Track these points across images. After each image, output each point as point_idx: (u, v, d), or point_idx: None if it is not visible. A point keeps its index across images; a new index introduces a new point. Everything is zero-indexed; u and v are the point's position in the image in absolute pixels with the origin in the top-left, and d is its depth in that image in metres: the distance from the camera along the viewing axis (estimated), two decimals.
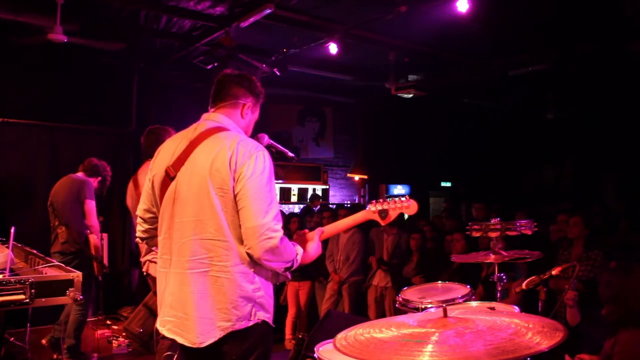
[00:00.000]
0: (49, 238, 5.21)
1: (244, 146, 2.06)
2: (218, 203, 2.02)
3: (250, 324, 2.02)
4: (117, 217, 7.33)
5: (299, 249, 2.16)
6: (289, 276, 2.26)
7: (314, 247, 2.31)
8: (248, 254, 2.02)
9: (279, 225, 2.01)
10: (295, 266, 2.11)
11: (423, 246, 6.08)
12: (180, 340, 2.05)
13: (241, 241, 2.03)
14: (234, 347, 2.02)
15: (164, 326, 2.11)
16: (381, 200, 2.47)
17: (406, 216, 2.74)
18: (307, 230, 2.40)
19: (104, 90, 7.29)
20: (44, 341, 5.15)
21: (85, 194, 5.08)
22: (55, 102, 6.93)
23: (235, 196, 2.02)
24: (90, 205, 5.11)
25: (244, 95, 2.25)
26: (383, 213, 2.43)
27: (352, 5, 6.06)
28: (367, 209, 2.47)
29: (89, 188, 5.14)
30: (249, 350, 2.04)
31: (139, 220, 2.33)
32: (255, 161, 2.03)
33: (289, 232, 3.91)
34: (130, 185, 3.93)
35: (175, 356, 2.21)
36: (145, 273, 3.82)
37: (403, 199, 2.44)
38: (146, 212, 2.28)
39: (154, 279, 3.74)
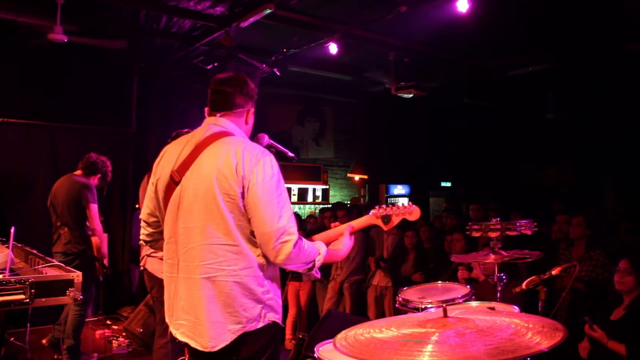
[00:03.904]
0: (50, 238, 5.19)
1: (250, 152, 2.07)
2: (225, 208, 2.02)
3: (261, 325, 2.04)
4: (117, 217, 7.33)
5: (322, 248, 2.17)
6: (318, 275, 2.30)
7: (345, 242, 2.36)
8: (263, 257, 2.05)
9: (293, 228, 2.03)
10: (317, 265, 2.14)
11: (418, 244, 6.07)
12: (193, 344, 2.06)
13: (250, 244, 2.05)
14: (246, 349, 2.03)
15: (178, 329, 2.12)
16: (384, 205, 2.51)
17: None
18: (338, 223, 2.46)
19: (104, 90, 7.28)
20: (44, 341, 5.15)
21: (88, 198, 4.99)
22: (55, 102, 6.92)
23: (244, 203, 2.03)
24: (93, 210, 5.03)
25: (246, 102, 2.26)
26: (386, 218, 2.46)
27: (352, 5, 6.06)
28: (370, 214, 2.51)
29: (91, 192, 5.04)
30: (260, 351, 2.06)
31: (142, 223, 2.35)
32: (263, 167, 2.04)
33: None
34: (145, 180, 3.94)
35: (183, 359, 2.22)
36: (142, 268, 3.82)
37: (406, 204, 2.46)
38: (150, 215, 2.30)
39: (149, 274, 3.76)
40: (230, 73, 2.35)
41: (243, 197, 2.03)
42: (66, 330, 4.89)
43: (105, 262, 5.25)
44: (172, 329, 2.16)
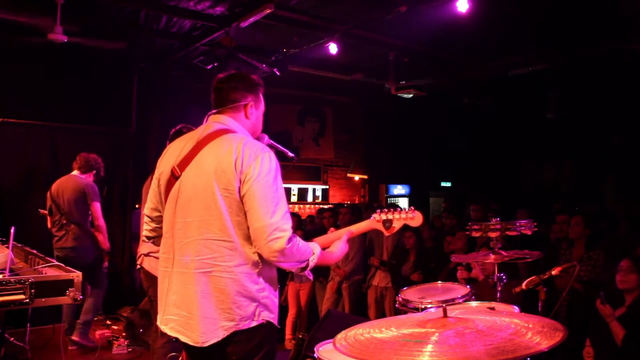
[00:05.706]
0: (50, 237, 5.29)
1: (249, 147, 2.07)
2: (223, 204, 2.03)
3: (254, 324, 2.03)
4: (117, 217, 7.32)
5: (317, 249, 2.16)
6: (310, 277, 2.29)
7: (340, 246, 2.35)
8: (259, 255, 2.03)
9: (287, 225, 2.01)
10: (311, 266, 2.11)
11: (419, 244, 6.07)
12: (183, 339, 2.06)
13: (246, 241, 2.04)
14: (239, 347, 2.03)
15: (167, 324, 2.12)
16: (386, 209, 2.50)
17: None
18: (333, 229, 2.47)
19: (104, 90, 7.27)
20: (71, 347, 5.27)
21: (92, 197, 5.34)
22: (55, 102, 6.91)
23: (241, 197, 2.03)
24: (97, 208, 5.39)
25: (242, 97, 2.26)
26: (387, 223, 2.46)
27: (352, 5, 6.05)
28: (371, 218, 2.51)
29: (95, 191, 5.39)
30: (253, 350, 2.05)
31: (146, 219, 2.35)
32: (261, 162, 2.04)
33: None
34: (148, 181, 3.95)
35: (181, 357, 2.22)
36: (138, 267, 3.81)
37: (408, 209, 2.46)
38: (153, 210, 2.31)
39: (147, 273, 3.74)
40: (230, 71, 2.35)
41: (240, 192, 2.03)
42: (85, 307, 5.26)
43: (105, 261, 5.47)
44: (160, 324, 2.15)
